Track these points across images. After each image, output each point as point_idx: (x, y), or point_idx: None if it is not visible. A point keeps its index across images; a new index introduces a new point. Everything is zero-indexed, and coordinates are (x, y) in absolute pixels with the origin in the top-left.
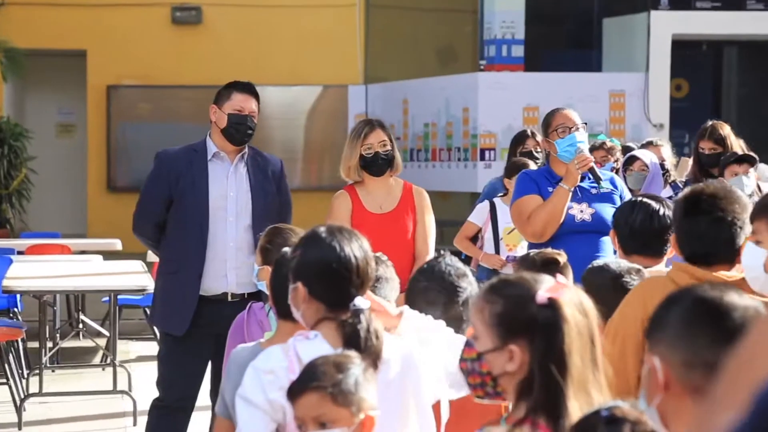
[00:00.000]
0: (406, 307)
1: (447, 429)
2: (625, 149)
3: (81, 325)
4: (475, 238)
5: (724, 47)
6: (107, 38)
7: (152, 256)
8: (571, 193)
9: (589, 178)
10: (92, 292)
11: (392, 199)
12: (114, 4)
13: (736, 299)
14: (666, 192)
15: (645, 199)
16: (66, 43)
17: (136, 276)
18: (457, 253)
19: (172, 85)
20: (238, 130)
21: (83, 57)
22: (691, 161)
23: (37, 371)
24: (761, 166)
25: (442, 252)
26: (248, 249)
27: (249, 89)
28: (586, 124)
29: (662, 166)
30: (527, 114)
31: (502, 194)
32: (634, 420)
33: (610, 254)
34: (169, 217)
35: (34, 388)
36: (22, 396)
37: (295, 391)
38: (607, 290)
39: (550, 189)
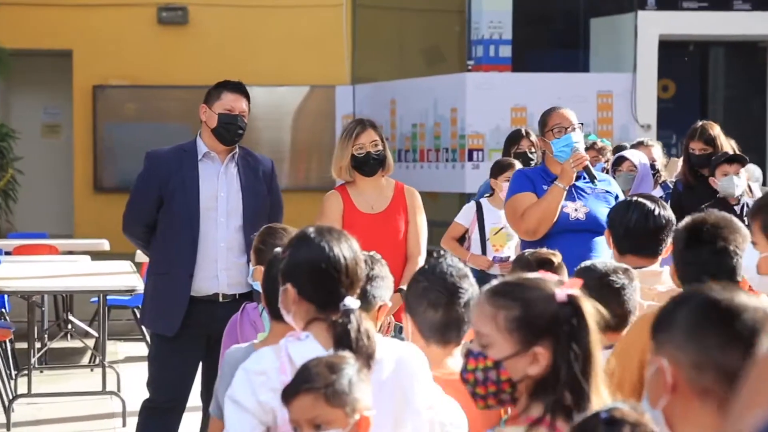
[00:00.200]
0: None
1: None
2: (619, 149)
3: (69, 326)
4: (462, 239)
5: (711, 48)
6: (93, 38)
7: (141, 257)
8: (565, 192)
9: (584, 178)
10: (81, 292)
11: (384, 199)
12: (100, 4)
13: (746, 300)
14: (656, 192)
15: (640, 199)
16: (52, 42)
17: (125, 276)
18: None
19: (158, 85)
20: (229, 130)
21: (69, 57)
22: (680, 162)
23: (26, 372)
24: (750, 166)
25: (442, 252)
26: (239, 249)
27: (239, 89)
28: (582, 124)
29: (653, 166)
30: (515, 114)
31: (488, 195)
32: (634, 422)
33: (603, 254)
34: (159, 218)
35: (22, 388)
36: (11, 397)
37: (289, 394)
38: (591, 289)
39: (545, 187)
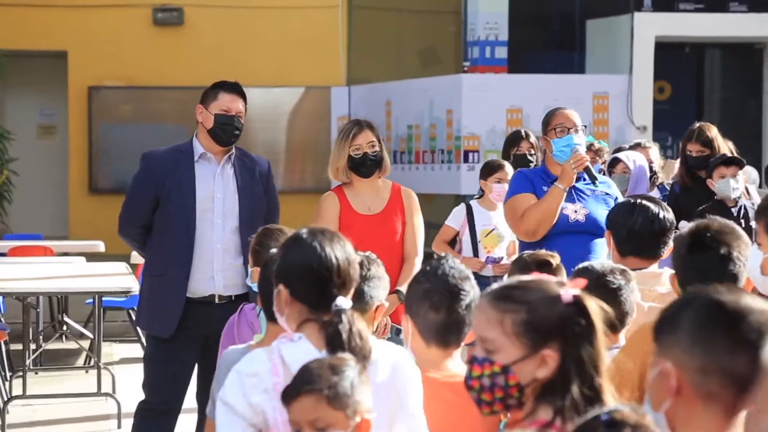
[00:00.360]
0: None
1: None
2: (618, 151)
3: (64, 327)
4: (453, 242)
5: (707, 49)
6: (88, 39)
7: (136, 258)
8: (565, 194)
9: (585, 179)
10: (76, 293)
11: (381, 200)
12: (95, 5)
13: (751, 302)
14: (653, 194)
15: (644, 202)
16: (47, 43)
17: (120, 278)
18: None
19: (153, 86)
20: (225, 131)
21: (64, 58)
22: (677, 163)
23: (21, 374)
24: (747, 168)
25: (444, 254)
26: (235, 251)
27: (236, 89)
28: (586, 126)
29: (650, 168)
30: (511, 116)
31: (478, 196)
32: (635, 423)
33: (602, 256)
34: (155, 219)
35: (17, 390)
36: (6, 398)
37: (289, 394)
38: (588, 290)
39: (545, 188)
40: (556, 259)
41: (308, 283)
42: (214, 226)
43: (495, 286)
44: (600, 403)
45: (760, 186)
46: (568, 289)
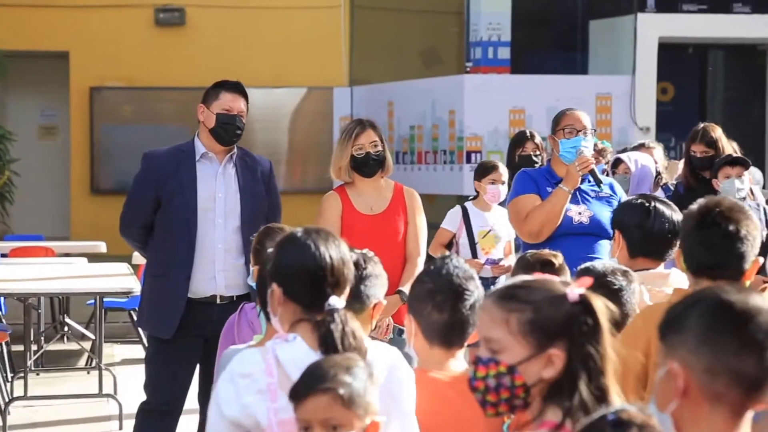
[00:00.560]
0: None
1: None
2: (624, 152)
3: (66, 328)
4: (449, 245)
5: (710, 50)
6: (90, 40)
7: (138, 259)
8: (570, 195)
9: (590, 181)
10: (78, 294)
11: (383, 200)
12: (97, 5)
13: (759, 302)
14: (657, 194)
15: (659, 205)
16: (48, 44)
17: (121, 278)
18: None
19: (155, 86)
20: (227, 130)
21: (66, 58)
22: (681, 164)
23: (22, 374)
24: (752, 169)
25: (448, 254)
26: (237, 251)
27: (238, 89)
28: (595, 130)
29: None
30: (513, 116)
31: (473, 198)
32: (641, 423)
33: (606, 258)
34: (156, 219)
35: (18, 391)
36: (7, 399)
37: (300, 392)
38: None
39: (549, 189)
40: (558, 259)
41: (302, 283)
42: (216, 226)
43: (499, 285)
44: (606, 403)
45: (764, 187)
46: (574, 288)
